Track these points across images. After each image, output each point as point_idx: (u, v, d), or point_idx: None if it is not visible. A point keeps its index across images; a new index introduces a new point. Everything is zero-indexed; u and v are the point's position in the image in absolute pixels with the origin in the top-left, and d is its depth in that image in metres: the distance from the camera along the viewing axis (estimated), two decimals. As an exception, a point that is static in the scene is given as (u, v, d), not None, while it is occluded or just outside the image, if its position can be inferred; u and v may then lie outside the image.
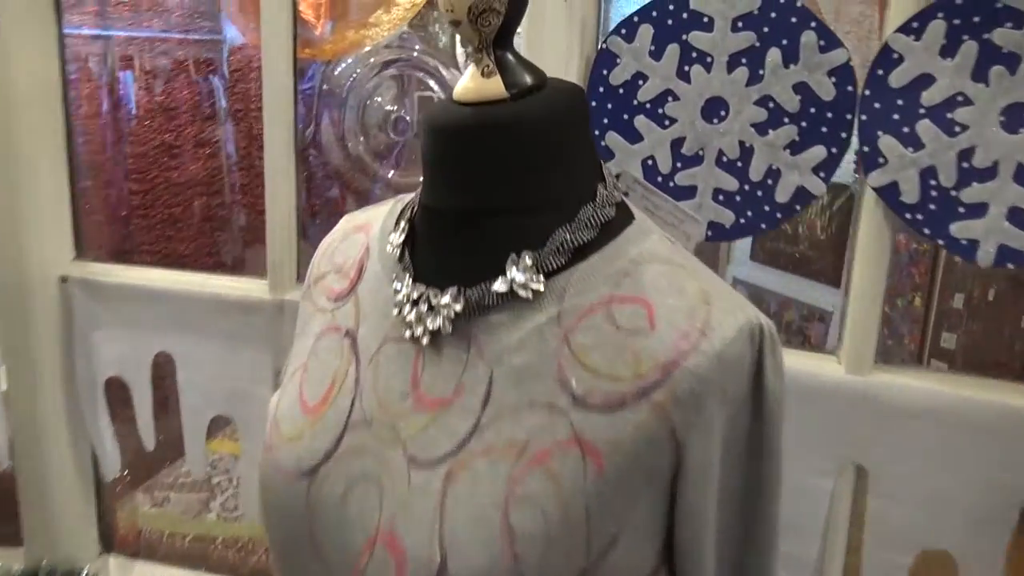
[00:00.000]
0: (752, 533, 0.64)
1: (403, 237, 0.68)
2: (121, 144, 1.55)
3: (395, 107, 1.39)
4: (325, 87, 1.39)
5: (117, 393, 1.47)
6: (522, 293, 0.60)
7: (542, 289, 0.60)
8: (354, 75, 1.38)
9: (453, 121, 0.63)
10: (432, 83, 1.34)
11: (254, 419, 1.37)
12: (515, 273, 0.61)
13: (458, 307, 0.61)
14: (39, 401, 1.44)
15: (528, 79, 0.63)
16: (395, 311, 0.65)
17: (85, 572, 1.47)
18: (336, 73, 1.41)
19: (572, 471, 0.55)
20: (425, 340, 0.62)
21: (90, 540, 1.54)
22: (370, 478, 0.61)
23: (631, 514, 0.57)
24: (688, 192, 1.11)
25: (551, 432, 0.57)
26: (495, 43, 0.62)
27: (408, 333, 0.63)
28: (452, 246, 0.65)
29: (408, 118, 1.41)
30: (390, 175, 1.42)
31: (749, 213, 1.10)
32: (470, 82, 0.63)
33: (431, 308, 0.62)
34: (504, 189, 0.63)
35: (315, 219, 1.46)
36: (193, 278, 1.40)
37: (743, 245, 3.38)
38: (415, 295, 0.64)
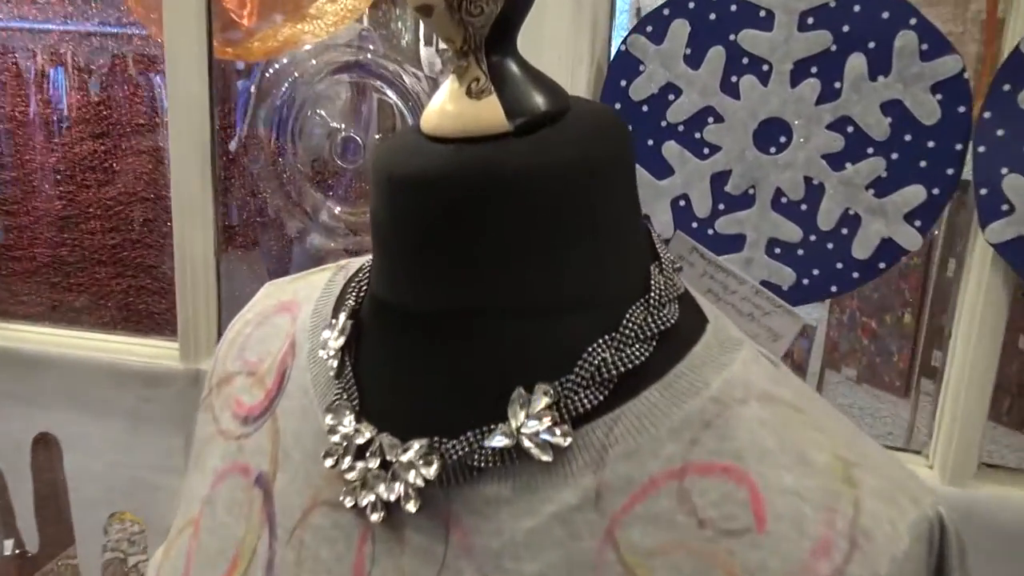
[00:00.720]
0: None
1: (343, 339, 0.44)
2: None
3: (342, 125, 1.08)
4: (252, 92, 1.08)
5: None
6: (535, 452, 0.37)
7: (567, 444, 0.37)
8: (290, 80, 1.08)
9: (423, 170, 0.40)
10: (392, 95, 1.04)
11: (161, 516, 1.08)
12: (523, 418, 0.38)
13: (430, 471, 0.38)
14: None
15: (541, 102, 0.40)
16: (330, 461, 0.41)
17: None
18: (268, 75, 1.11)
19: None
20: (375, 516, 0.39)
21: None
22: None
23: None
24: (733, 243, 0.84)
25: None
26: (489, 44, 0.40)
27: (350, 500, 0.40)
28: (421, 366, 0.42)
29: (359, 139, 1.11)
30: (337, 211, 1.11)
31: (815, 272, 0.83)
32: (450, 105, 0.40)
33: (384, 466, 0.40)
34: (503, 278, 0.40)
35: (235, 265, 1.15)
36: (85, 339, 1.10)
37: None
38: (360, 440, 0.41)
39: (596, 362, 0.38)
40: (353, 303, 0.46)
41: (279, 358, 0.49)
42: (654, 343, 0.39)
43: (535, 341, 0.40)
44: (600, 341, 0.38)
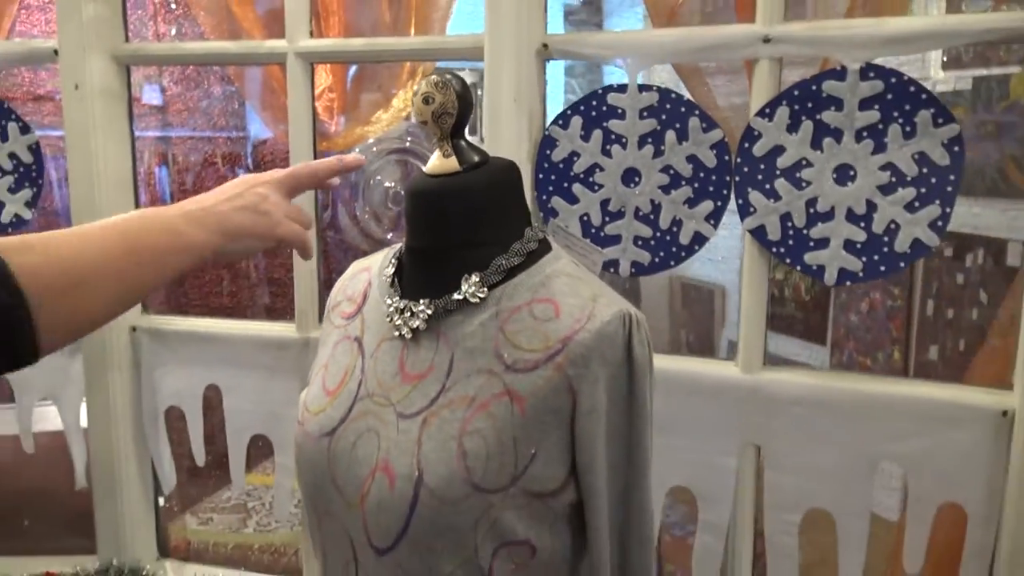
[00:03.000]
0: (633, 457, 0.90)
1: (392, 269, 1.02)
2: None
3: (393, 184, 1.75)
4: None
5: (175, 422, 1.80)
6: (472, 300, 0.90)
7: (486, 296, 0.91)
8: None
9: (423, 187, 0.95)
10: (421, 165, 1.73)
11: (286, 436, 1.70)
12: (467, 287, 0.92)
13: (430, 311, 0.92)
14: (112, 430, 1.78)
15: (475, 157, 0.94)
16: (388, 319, 0.98)
17: (146, 572, 1.78)
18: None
19: (504, 412, 0.85)
20: (408, 336, 0.93)
21: (150, 547, 1.86)
22: (371, 431, 0.92)
23: (545, 441, 0.85)
24: (615, 240, 1.46)
25: (490, 388, 0.87)
26: (451, 134, 0.94)
27: (397, 333, 0.94)
28: (425, 272, 0.96)
29: (403, 192, 1.80)
30: (389, 236, 1.77)
31: (661, 253, 1.44)
32: (435, 161, 0.94)
33: (412, 313, 0.94)
34: (459, 233, 0.94)
35: (332, 275, 1.82)
36: (236, 324, 1.75)
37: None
38: (401, 306, 0.95)
39: (498, 264, 0.96)
40: (398, 255, 1.08)
41: (363, 289, 1.09)
42: (524, 256, 0.97)
43: (472, 257, 0.98)
44: (501, 256, 0.98)
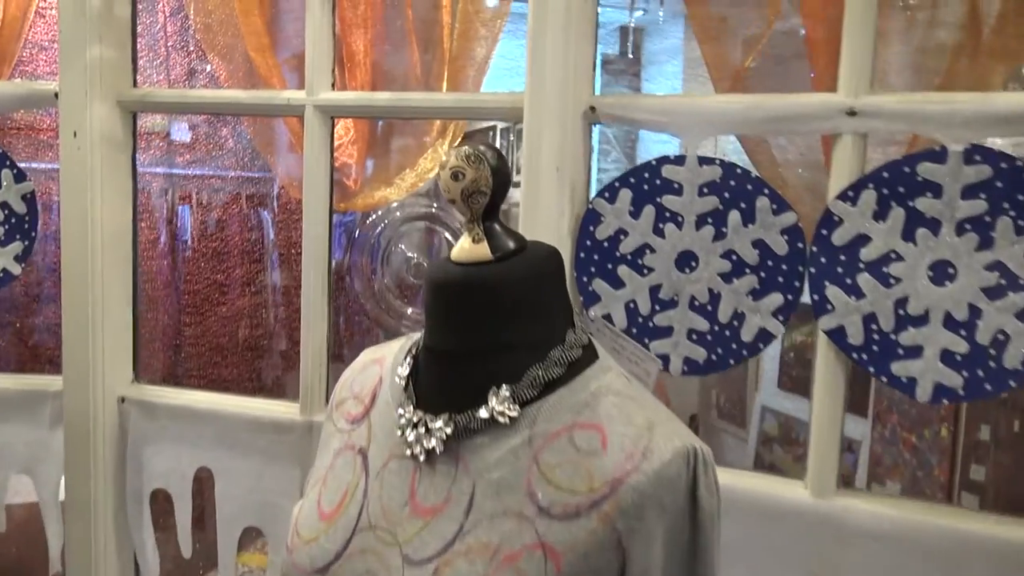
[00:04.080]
0: None
1: (408, 371, 0.85)
2: (176, 279, 1.78)
3: (415, 255, 1.59)
4: (358, 234, 1.60)
5: (161, 505, 1.62)
6: (501, 419, 0.75)
7: (517, 416, 0.75)
8: (383, 225, 1.59)
9: (448, 278, 0.79)
10: (449, 235, 1.55)
11: (282, 530, 1.51)
12: (495, 403, 0.76)
13: (449, 430, 0.76)
14: (92, 511, 1.60)
15: (511, 244, 0.79)
16: (399, 432, 0.80)
17: (121, 674, 1.58)
18: (368, 221, 1.63)
19: (536, 569, 0.69)
20: (422, 458, 0.77)
21: (128, 644, 1.67)
22: (372, 575, 0.75)
23: None
24: (665, 332, 1.27)
25: (520, 537, 0.71)
26: (484, 216, 0.79)
27: (408, 451, 0.77)
28: (446, 379, 0.81)
29: (425, 264, 1.61)
30: (409, 311, 1.60)
31: (719, 350, 1.25)
32: (464, 246, 0.79)
33: (427, 431, 0.77)
34: (488, 334, 0.78)
35: (344, 349, 1.63)
36: (234, 401, 1.57)
37: (771, 374, 3.44)
38: (415, 419, 0.79)
39: (533, 376, 0.79)
40: (414, 352, 0.90)
41: (372, 388, 0.93)
42: (565, 367, 0.81)
43: (502, 365, 0.82)
44: (536, 365, 0.81)
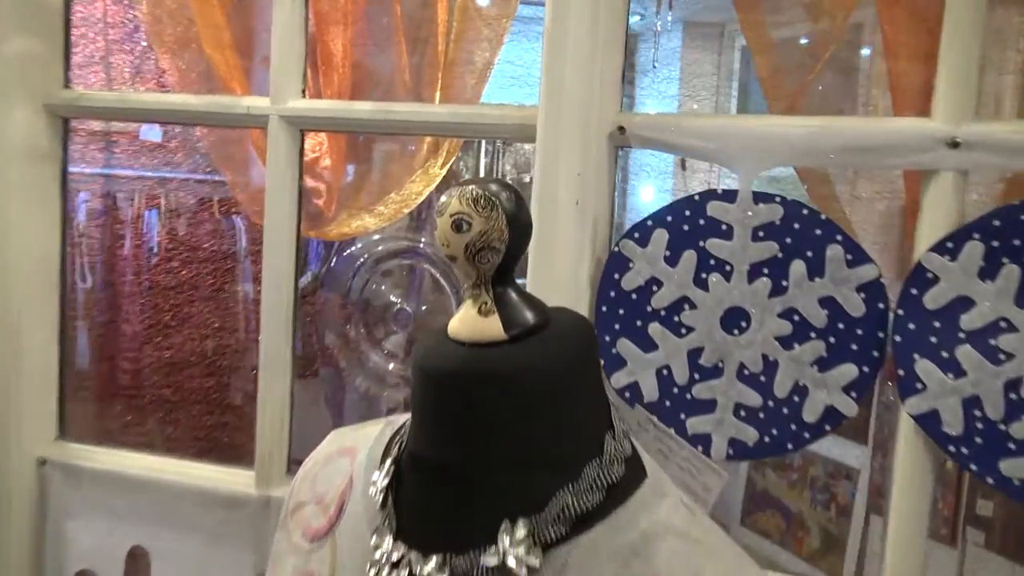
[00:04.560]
0: None
1: (387, 480, 0.61)
2: (119, 313, 1.52)
3: (399, 301, 1.33)
4: (333, 265, 1.35)
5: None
6: (516, 569, 0.52)
7: (538, 565, 0.53)
8: (362, 260, 1.34)
9: (445, 364, 0.58)
10: (435, 271, 1.30)
11: (230, 626, 1.25)
12: (508, 544, 0.53)
13: None
14: (3, 593, 1.33)
15: (530, 317, 0.58)
16: (372, 572, 0.57)
17: None
18: (345, 254, 1.38)
19: None
20: None
21: None
22: None
23: None
24: (707, 406, 1.03)
25: None
26: (495, 279, 0.58)
27: None
28: (440, 502, 0.58)
29: (410, 310, 1.35)
30: (391, 367, 1.35)
31: (774, 431, 1.01)
32: (467, 318, 0.58)
33: (411, 573, 0.55)
34: (499, 443, 0.57)
35: (309, 407, 1.37)
36: (177, 466, 1.32)
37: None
38: (395, 557, 0.57)
39: (561, 505, 0.56)
40: (396, 453, 0.66)
41: (339, 491, 0.69)
42: (604, 492, 0.57)
43: (518, 488, 0.59)
44: (565, 489, 0.57)
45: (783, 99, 1.08)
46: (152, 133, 1.95)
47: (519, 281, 0.63)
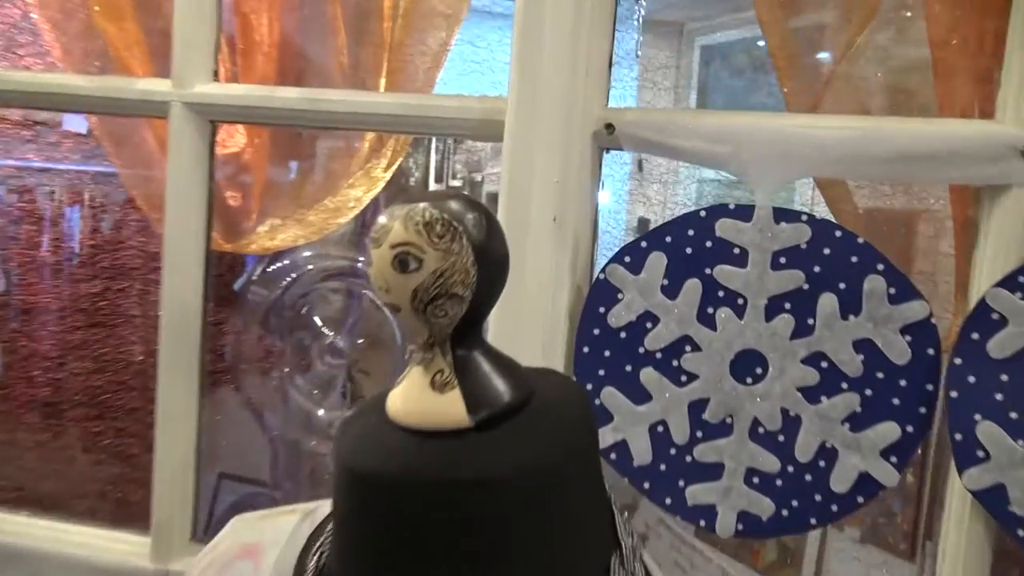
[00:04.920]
0: None
1: None
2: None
3: (333, 332, 1.10)
4: (253, 287, 1.11)
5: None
6: None
7: None
8: (288, 279, 1.10)
9: (386, 465, 0.41)
10: (379, 301, 1.08)
11: None
12: None
13: None
14: None
15: (504, 392, 0.42)
16: None
17: None
18: (269, 271, 1.14)
19: None
20: None
21: None
22: None
23: None
24: (711, 471, 0.83)
25: None
26: (455, 339, 0.42)
27: None
28: None
29: (343, 346, 1.12)
30: (320, 413, 1.12)
31: (794, 503, 0.82)
32: (415, 394, 0.42)
33: None
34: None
35: (216, 456, 1.13)
36: (59, 531, 1.07)
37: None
38: None
39: None
40: (314, 567, 0.46)
41: None
42: None
43: None
44: None
45: (801, 93, 0.89)
46: (78, 123, 1.70)
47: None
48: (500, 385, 0.43)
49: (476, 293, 0.41)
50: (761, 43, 1.28)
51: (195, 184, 0.99)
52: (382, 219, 0.42)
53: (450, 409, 0.41)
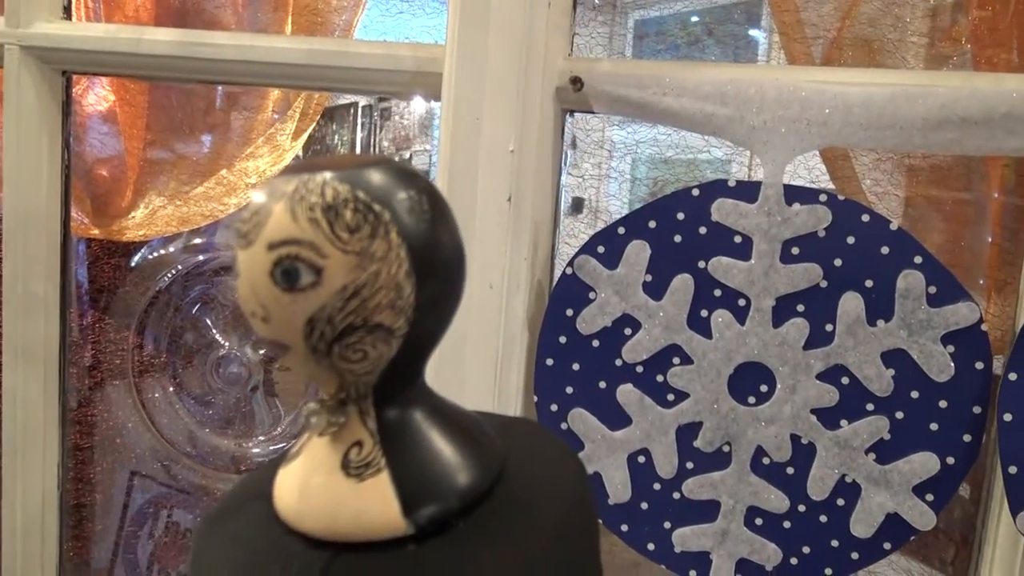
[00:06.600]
0: None
1: None
2: None
3: (225, 343, 0.87)
4: (129, 282, 0.88)
5: None
6: None
7: None
8: (173, 271, 0.87)
9: None
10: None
11: None
12: None
13: None
14: None
15: (457, 473, 0.28)
16: None
17: None
18: (150, 258, 0.90)
19: None
20: None
21: None
22: None
23: None
24: (705, 511, 0.67)
25: None
26: (382, 394, 0.28)
27: None
28: None
29: (239, 370, 0.89)
30: (224, 445, 0.88)
31: (806, 550, 0.67)
32: (317, 481, 0.27)
33: None
34: None
35: (82, 497, 0.89)
36: None
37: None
38: None
39: None
40: None
41: None
42: None
43: None
44: None
45: (800, 45, 0.72)
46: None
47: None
48: (453, 462, 0.28)
49: (414, 321, 0.26)
50: (695, 19, 1.27)
51: (43, 150, 0.76)
52: (255, 198, 0.24)
53: (373, 506, 0.26)
